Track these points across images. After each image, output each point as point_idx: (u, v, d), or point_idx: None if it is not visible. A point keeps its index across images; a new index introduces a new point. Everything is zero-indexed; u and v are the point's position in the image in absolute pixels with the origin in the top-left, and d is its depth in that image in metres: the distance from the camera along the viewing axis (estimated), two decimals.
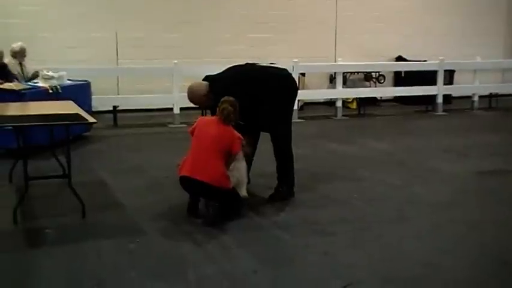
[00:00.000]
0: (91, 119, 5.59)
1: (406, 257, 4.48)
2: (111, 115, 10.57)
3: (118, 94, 11.44)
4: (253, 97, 5.60)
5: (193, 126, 5.38)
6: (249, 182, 5.66)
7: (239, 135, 5.26)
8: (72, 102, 6.57)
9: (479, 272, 4.27)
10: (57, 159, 6.20)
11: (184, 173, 5.12)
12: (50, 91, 8.11)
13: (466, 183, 6.62)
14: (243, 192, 5.39)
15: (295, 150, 6.00)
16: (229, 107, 5.20)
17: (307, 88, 12.37)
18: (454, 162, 7.61)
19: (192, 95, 5.78)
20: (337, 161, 7.74)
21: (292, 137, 5.93)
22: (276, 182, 5.88)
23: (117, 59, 11.69)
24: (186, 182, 5.15)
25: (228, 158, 5.20)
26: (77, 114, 5.66)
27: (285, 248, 4.71)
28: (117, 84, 11.64)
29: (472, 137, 9.49)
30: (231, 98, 5.26)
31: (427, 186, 6.49)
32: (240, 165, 5.37)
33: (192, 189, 5.23)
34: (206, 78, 5.84)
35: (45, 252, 4.53)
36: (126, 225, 5.16)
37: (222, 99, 5.27)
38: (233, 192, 5.22)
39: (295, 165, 5.95)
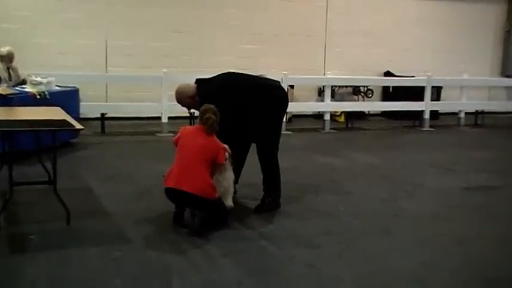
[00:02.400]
0: (78, 126, 5.55)
1: (391, 270, 4.48)
2: (99, 122, 10.53)
3: (106, 101, 11.41)
4: (241, 104, 5.60)
5: (177, 136, 5.35)
6: (235, 193, 5.65)
7: (223, 145, 5.25)
8: (59, 108, 6.52)
9: None
10: (43, 165, 6.14)
11: (170, 184, 5.08)
12: (38, 97, 8.05)
13: (453, 198, 6.66)
14: (229, 202, 5.37)
15: (283, 162, 6.00)
16: (213, 116, 5.17)
17: (296, 100, 12.41)
18: (440, 177, 7.66)
19: (179, 96, 5.80)
20: (324, 173, 7.75)
21: (279, 148, 5.93)
22: (263, 193, 5.88)
23: (107, 66, 11.68)
24: (172, 193, 5.11)
25: (213, 167, 5.17)
26: (64, 120, 5.62)
27: (270, 259, 4.69)
28: (106, 91, 11.61)
29: (458, 153, 9.56)
30: (212, 106, 5.22)
31: (413, 200, 6.52)
32: (228, 174, 5.36)
33: (178, 200, 5.20)
34: (197, 81, 5.85)
35: (28, 258, 4.47)
36: (111, 232, 5.12)
37: (203, 107, 5.24)
38: (219, 202, 5.21)
39: (282, 177, 5.96)
